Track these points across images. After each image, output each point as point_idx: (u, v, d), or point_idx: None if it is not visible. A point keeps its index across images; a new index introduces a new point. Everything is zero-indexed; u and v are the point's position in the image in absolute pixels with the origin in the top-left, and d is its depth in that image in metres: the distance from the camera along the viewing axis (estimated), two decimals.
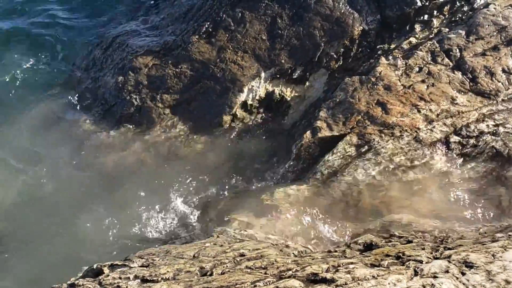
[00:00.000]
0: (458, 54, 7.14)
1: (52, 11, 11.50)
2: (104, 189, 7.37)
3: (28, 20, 11.24)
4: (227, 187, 7.15)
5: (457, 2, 7.82)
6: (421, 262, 3.71)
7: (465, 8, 7.79)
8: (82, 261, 5.70)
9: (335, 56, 8.00)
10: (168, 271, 4.16)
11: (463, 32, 7.34)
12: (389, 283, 3.29)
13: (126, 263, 4.51)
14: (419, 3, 7.80)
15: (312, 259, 4.37)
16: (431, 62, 7.17)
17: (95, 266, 4.51)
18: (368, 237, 5.09)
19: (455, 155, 6.22)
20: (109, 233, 6.76)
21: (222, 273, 4.00)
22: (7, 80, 9.58)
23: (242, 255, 4.59)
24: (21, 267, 6.44)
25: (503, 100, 6.57)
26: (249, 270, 4.02)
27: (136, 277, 4.08)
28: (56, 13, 11.43)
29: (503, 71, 6.79)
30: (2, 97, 9.28)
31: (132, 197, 7.16)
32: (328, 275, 3.50)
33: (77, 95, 9.05)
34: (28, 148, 8.20)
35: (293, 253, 5.00)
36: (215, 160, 7.56)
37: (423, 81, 6.96)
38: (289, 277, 3.61)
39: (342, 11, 7.99)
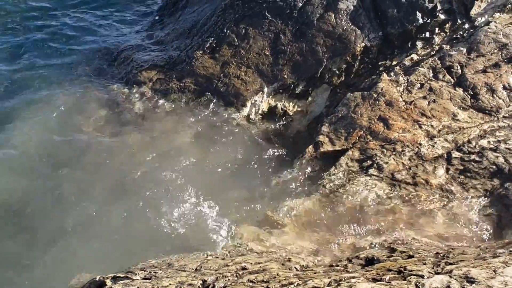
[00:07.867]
0: (459, 71, 7.21)
1: (56, 25, 11.63)
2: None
3: (33, 33, 11.37)
4: (229, 195, 6.94)
5: (458, 20, 7.93)
6: (422, 277, 3.71)
7: (466, 26, 7.90)
8: None
9: (337, 72, 8.10)
10: (170, 284, 4.17)
11: (464, 49, 7.43)
12: None
13: (129, 275, 4.52)
14: (420, 21, 7.91)
15: (314, 273, 4.39)
16: (433, 79, 7.25)
17: (97, 278, 4.52)
18: (370, 251, 5.10)
19: (456, 171, 6.25)
20: None
21: (224, 287, 4.02)
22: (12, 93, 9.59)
23: (244, 268, 4.61)
24: None
25: (504, 116, 6.62)
26: (251, 284, 4.04)
27: None
28: (61, 27, 11.56)
29: (504, 88, 6.86)
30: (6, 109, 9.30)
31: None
32: None
33: (80, 100, 8.99)
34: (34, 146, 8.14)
35: (295, 267, 5.01)
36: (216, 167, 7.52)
37: (424, 97, 7.03)
38: None
39: (345, 27, 8.10)
